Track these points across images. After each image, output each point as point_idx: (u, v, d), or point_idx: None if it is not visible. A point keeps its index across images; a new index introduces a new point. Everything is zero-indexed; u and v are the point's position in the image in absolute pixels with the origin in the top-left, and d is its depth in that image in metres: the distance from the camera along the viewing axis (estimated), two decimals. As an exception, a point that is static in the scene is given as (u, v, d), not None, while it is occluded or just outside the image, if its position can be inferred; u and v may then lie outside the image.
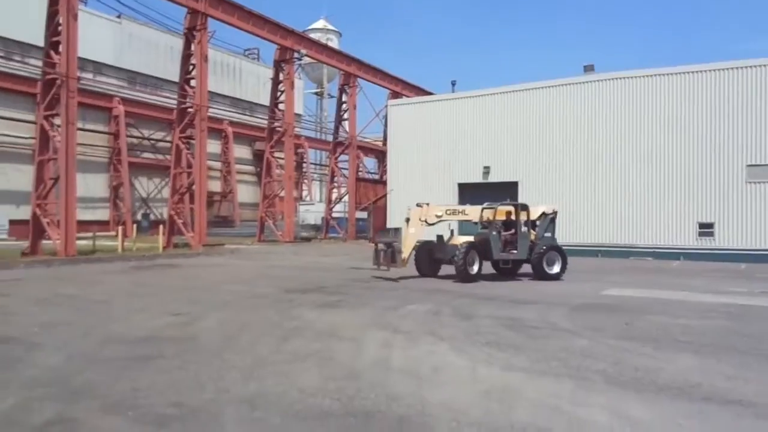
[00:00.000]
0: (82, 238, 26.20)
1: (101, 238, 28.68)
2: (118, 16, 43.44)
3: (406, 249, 15.63)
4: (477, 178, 30.45)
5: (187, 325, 9.07)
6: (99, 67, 41.74)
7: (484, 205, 16.96)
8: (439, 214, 16.07)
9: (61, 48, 21.04)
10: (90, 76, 39.44)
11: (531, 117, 28.92)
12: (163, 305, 11.07)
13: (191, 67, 28.44)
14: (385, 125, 40.66)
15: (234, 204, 50.60)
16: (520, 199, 29.32)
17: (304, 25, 62.26)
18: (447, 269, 16.46)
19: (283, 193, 35.74)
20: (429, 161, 31.96)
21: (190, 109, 28.53)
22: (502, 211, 16.53)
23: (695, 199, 24.68)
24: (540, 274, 16.19)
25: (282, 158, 36.61)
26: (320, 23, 68.36)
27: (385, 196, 35.35)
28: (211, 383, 5.82)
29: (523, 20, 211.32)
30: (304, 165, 58.84)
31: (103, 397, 5.35)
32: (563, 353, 7.30)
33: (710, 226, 24.28)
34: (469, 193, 30.71)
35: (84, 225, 34.61)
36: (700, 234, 24.50)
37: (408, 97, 41.07)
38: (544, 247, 16.34)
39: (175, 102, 30.68)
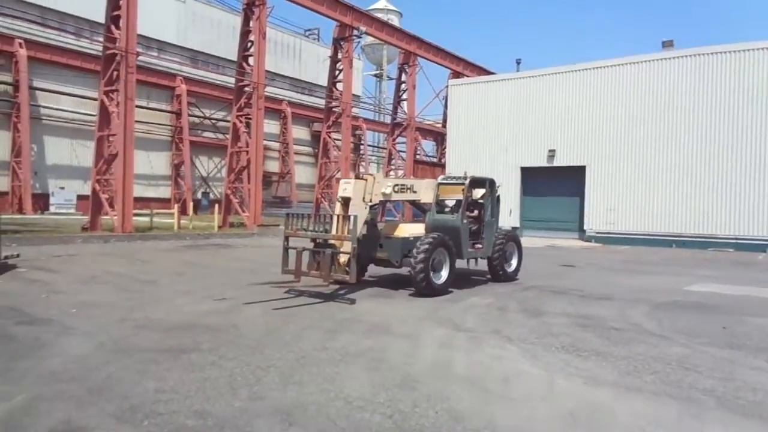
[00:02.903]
0: (141, 214, 26.45)
1: (161, 215, 28.94)
2: (182, -5, 43.75)
3: (351, 246, 9.64)
4: (541, 161, 28.84)
5: (229, 312, 8.42)
6: (163, 46, 42.21)
7: (440, 179, 12.64)
8: (387, 191, 10.87)
9: (121, 23, 20.91)
10: (155, 54, 39.92)
11: (602, 97, 27.00)
12: (209, 288, 10.50)
13: (249, 44, 28.04)
14: (445, 106, 39.37)
15: (291, 185, 50.57)
16: (588, 186, 27.75)
17: (365, 6, 61.17)
18: (374, 270, 12.04)
19: (339, 175, 35.16)
20: (490, 144, 30.54)
21: (247, 88, 28.18)
22: (457, 189, 12.02)
23: (787, 185, 22.37)
24: (498, 275, 12.41)
25: (339, 139, 35.99)
26: (381, 3, 67.02)
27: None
28: (245, 387, 5.06)
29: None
30: (362, 147, 58.18)
31: (122, 398, 4.67)
32: (657, 363, 6.17)
33: (804, 216, 21.96)
34: (532, 177, 29.24)
35: (146, 202, 35.27)
36: (792, 224, 22.23)
37: (469, 77, 39.52)
38: (503, 238, 12.54)
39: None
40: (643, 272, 15.40)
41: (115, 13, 21.32)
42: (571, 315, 8.90)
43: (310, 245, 10.19)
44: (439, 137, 49.72)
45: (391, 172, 42.04)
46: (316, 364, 5.85)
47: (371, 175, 10.85)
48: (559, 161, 28.32)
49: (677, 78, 24.92)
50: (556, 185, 28.53)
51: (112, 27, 21.58)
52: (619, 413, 4.70)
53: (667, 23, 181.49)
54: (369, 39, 56.00)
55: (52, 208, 34.28)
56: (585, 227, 27.32)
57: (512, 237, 13.05)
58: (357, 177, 10.63)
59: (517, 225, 28.45)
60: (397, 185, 11.37)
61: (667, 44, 27.28)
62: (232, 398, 4.74)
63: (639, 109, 25.86)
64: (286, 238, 10.32)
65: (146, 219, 25.30)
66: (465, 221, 11.58)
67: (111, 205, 21.67)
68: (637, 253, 21.46)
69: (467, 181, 11.79)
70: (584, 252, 21.82)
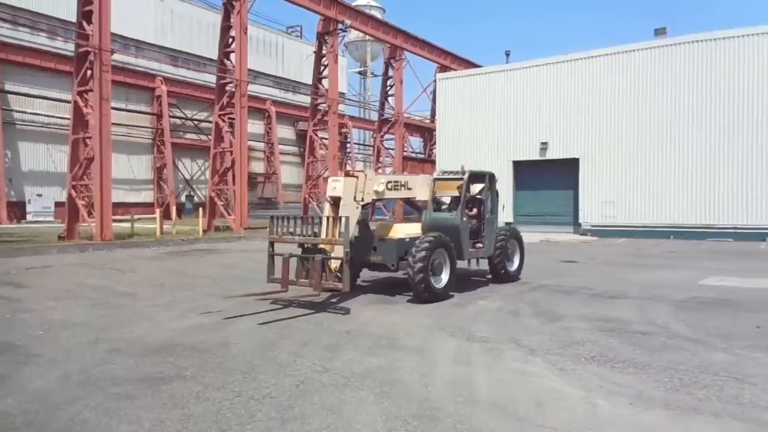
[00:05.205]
0: (121, 220, 25.42)
1: (144, 220, 27.92)
2: (159, -7, 42.58)
3: (343, 251, 8.67)
4: (533, 155, 28.24)
5: (217, 328, 7.58)
6: (141, 45, 41.00)
7: (436, 174, 11.91)
8: (379, 189, 10.02)
9: (93, 18, 19.84)
10: (132, 53, 38.75)
11: (593, 88, 26.41)
12: (194, 300, 9.65)
13: (230, 40, 27.07)
14: (433, 101, 38.66)
15: (278, 185, 49.63)
16: (582, 179, 27.09)
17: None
18: (367, 274, 11.25)
19: (327, 174, 34.29)
20: (481, 138, 29.87)
21: (229, 86, 27.24)
22: (453, 184, 11.26)
23: (785, 173, 21.92)
24: (499, 275, 11.60)
25: (326, 138, 35.12)
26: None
27: (433, 175, 33.39)
28: (236, 425, 4.24)
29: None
30: (348, 145, 57.35)
31: (85, 449, 3.85)
32: (704, 375, 5.46)
33: (805, 204, 21.52)
34: (524, 171, 28.61)
35: (128, 207, 34.17)
36: (792, 212, 21.79)
37: (457, 70, 38.82)
38: (504, 235, 11.74)
39: (217, 81, 29.38)
40: (649, 266, 14.78)
41: (87, 8, 20.19)
42: (590, 318, 8.20)
43: (298, 251, 9.26)
44: (427, 133, 49.01)
45: (380, 170, 41.21)
46: (318, 390, 5.06)
47: (362, 171, 9.99)
48: (551, 154, 27.74)
49: (671, 66, 24.38)
50: (549, 178, 27.94)
51: (84, 23, 20.47)
52: (682, 444, 3.96)
53: (658, 11, 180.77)
54: (352, 35, 55.26)
55: (29, 217, 33.04)
56: (580, 220, 26.75)
57: (514, 234, 12.26)
58: (347, 174, 9.68)
59: (511, 220, 27.81)
60: (390, 182, 10.48)
61: (660, 32, 26.77)
62: (220, 444, 3.94)
63: (632, 98, 25.31)
64: (271, 244, 9.45)
65: (127, 225, 24.27)
66: (465, 219, 10.76)
67: (89, 212, 20.63)
68: (636, 246, 20.91)
69: (466, 176, 10.94)
70: (582, 246, 21.21)
